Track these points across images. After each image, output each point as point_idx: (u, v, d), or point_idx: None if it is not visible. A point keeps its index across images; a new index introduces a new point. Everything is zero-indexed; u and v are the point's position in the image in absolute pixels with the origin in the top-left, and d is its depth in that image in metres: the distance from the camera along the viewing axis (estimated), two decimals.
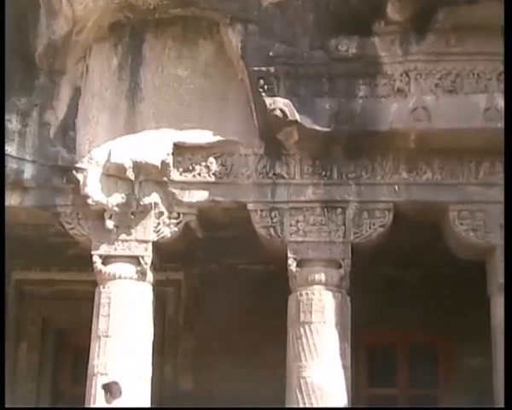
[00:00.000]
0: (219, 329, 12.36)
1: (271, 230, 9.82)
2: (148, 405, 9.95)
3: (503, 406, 6.72)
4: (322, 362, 9.28)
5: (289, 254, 9.68)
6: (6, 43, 10.17)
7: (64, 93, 10.38)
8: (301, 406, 9.23)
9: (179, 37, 10.24)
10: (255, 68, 9.51)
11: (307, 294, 9.51)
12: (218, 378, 12.12)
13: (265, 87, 9.49)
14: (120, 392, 9.51)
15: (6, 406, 9.51)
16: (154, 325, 10.22)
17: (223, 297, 12.38)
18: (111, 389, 10.21)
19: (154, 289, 10.25)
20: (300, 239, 9.68)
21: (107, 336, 9.79)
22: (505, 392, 6.29)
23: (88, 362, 10.02)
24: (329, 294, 9.51)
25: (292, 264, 9.67)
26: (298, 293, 9.58)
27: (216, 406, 11.71)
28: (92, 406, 9.70)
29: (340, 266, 9.61)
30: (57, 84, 10.40)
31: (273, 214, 9.81)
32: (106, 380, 9.70)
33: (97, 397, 9.70)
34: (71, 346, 13.22)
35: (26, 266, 12.77)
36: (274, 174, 9.81)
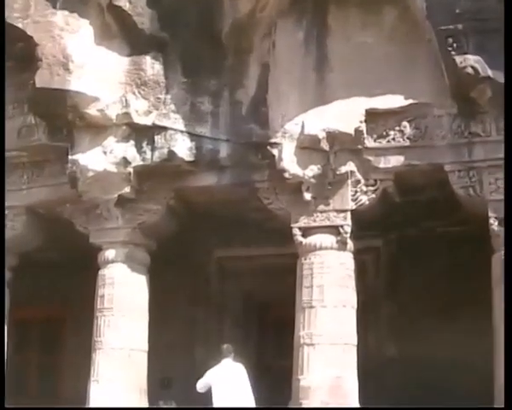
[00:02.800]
0: (420, 293, 13.10)
1: (470, 190, 10.51)
2: (355, 373, 10.93)
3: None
4: None
5: (490, 214, 10.32)
6: (194, 27, 11.32)
7: (253, 71, 11.51)
8: None
9: (362, 4, 11.11)
10: (442, 27, 10.20)
11: None
12: (423, 344, 12.80)
13: (454, 45, 10.15)
14: None
15: None
16: (356, 293, 11.16)
17: (422, 261, 13.14)
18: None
19: (353, 258, 11.17)
20: (501, 197, 10.16)
21: (311, 307, 10.93)
22: (505, 392, 6.47)
23: (291, 334, 11.16)
24: None
25: (493, 223, 10.28)
26: (502, 252, 10.07)
27: (421, 371, 12.41)
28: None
29: None
30: (245, 62, 11.54)
31: (471, 174, 10.49)
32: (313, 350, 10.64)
33: (304, 368, 10.78)
34: (274, 319, 14.41)
35: (226, 244, 14.04)
36: (469, 133, 10.49)
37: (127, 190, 11.91)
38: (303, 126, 10.88)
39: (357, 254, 11.38)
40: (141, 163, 11.69)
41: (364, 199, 10.89)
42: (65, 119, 11.89)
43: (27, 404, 15.00)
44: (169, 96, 11.58)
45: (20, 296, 13.70)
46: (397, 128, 10.70)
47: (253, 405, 11.42)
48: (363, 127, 10.71)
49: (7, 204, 12.92)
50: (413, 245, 13.12)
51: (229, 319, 14.65)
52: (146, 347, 12.33)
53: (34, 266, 14.03)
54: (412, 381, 12.57)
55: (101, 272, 12.34)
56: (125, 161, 11.69)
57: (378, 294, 13.59)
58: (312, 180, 10.92)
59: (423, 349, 12.74)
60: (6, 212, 12.96)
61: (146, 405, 11.98)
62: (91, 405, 11.96)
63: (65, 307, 14.95)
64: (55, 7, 11.70)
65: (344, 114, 10.78)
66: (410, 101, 10.62)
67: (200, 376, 14.09)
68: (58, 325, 15.77)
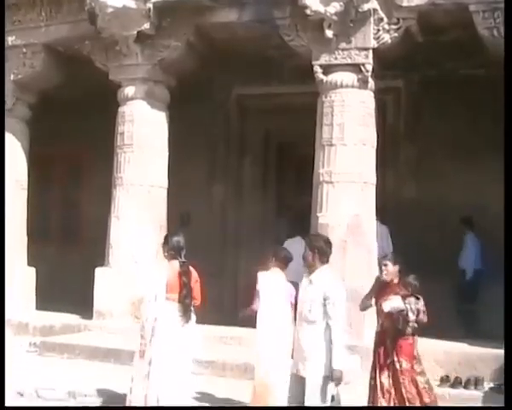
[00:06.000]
0: (441, 137, 13.26)
1: (494, 31, 10.47)
2: (374, 212, 11.31)
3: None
4: None
5: None
6: None
7: None
8: None
9: None
10: None
11: None
12: (441, 185, 13.09)
13: None
14: None
15: None
16: (376, 133, 11.39)
17: (444, 104, 13.23)
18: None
19: (374, 97, 11.34)
20: None
21: (330, 145, 11.17)
22: (505, 391, 6.57)
23: (311, 172, 11.43)
24: None
25: None
26: None
27: (439, 213, 12.78)
28: None
29: None
30: None
31: (496, 15, 10.41)
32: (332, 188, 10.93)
33: (323, 206, 11.12)
34: (293, 157, 14.70)
35: (246, 82, 14.14)
36: None
37: (147, 26, 11.98)
38: None
39: (378, 94, 11.50)
40: None
41: (387, 38, 10.91)
42: None
43: (50, 243, 15.56)
44: None
45: (40, 135, 14.03)
46: None
47: None
48: None
49: (25, 42, 13.12)
50: (435, 87, 13.18)
51: (249, 157, 14.96)
52: (165, 183, 12.75)
53: (54, 105, 14.26)
54: (430, 222, 12.97)
55: (120, 109, 12.61)
56: None
57: (398, 135, 13.77)
58: (334, 17, 10.90)
59: (443, 192, 13.02)
60: (24, 50, 13.16)
61: None
62: (112, 241, 12.44)
63: (86, 145, 15.18)
64: None
65: None
66: None
67: (218, 214, 14.59)
68: (79, 163, 16.12)
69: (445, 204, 12.86)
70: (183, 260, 8.04)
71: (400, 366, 7.49)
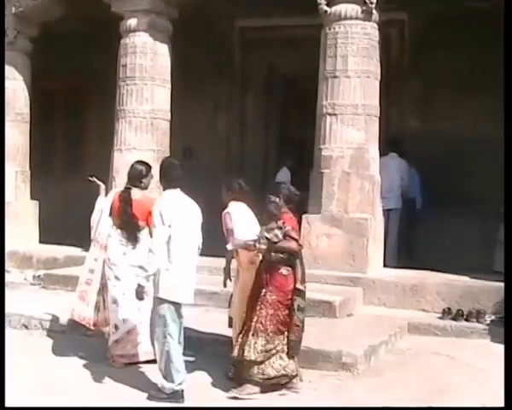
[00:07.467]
0: (445, 69, 13.09)
1: None
2: (377, 144, 11.15)
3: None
4: None
5: None
6: None
7: None
8: None
9: None
10: None
11: None
12: (444, 119, 13.03)
13: None
14: None
15: None
16: (380, 66, 11.19)
17: (448, 37, 13.00)
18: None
19: (378, 30, 11.11)
20: None
21: (334, 77, 11.00)
22: (505, 392, 6.49)
23: (315, 105, 11.27)
24: None
25: None
26: None
27: (444, 145, 12.70)
28: None
29: None
30: None
31: None
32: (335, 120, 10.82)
33: (326, 138, 10.98)
34: (297, 90, 14.48)
35: (248, 14, 13.91)
36: None
37: None
38: None
39: (382, 27, 11.27)
40: None
41: None
42: None
43: (52, 177, 15.52)
44: None
45: (42, 68, 13.91)
46: None
47: None
48: None
49: None
50: (440, 20, 12.92)
51: (252, 90, 14.85)
52: (168, 116, 12.61)
53: (56, 38, 14.05)
54: (431, 155, 12.89)
55: (123, 42, 12.43)
56: None
57: (402, 68, 13.60)
58: None
59: (447, 125, 12.92)
60: None
61: None
62: (114, 174, 12.33)
63: (88, 78, 15.05)
64: None
65: None
66: None
67: (221, 146, 14.50)
68: (82, 96, 16.00)
69: (444, 136, 12.80)
70: (128, 186, 8.20)
71: (264, 296, 7.30)
